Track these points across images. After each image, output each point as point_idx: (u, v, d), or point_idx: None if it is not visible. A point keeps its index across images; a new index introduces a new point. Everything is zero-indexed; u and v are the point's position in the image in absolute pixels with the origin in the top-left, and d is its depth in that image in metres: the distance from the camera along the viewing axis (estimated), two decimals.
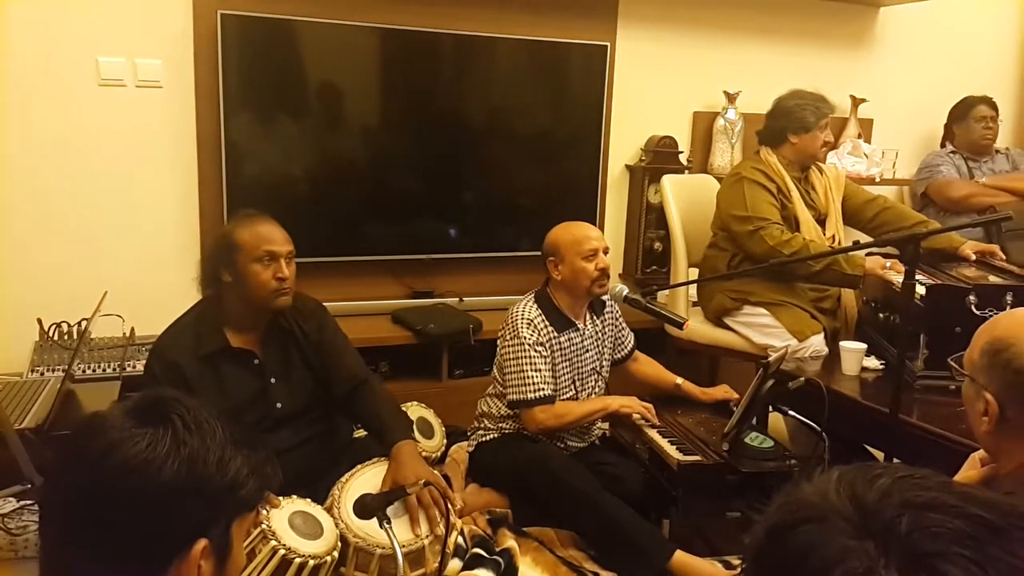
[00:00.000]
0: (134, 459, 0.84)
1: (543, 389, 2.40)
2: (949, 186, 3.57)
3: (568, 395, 2.50)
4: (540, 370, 2.41)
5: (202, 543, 0.85)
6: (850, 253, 2.68)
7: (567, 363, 2.50)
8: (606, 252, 2.48)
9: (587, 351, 2.54)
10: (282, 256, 2.11)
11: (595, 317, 2.58)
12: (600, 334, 2.59)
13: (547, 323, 2.46)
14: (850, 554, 0.58)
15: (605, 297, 2.62)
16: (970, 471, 1.44)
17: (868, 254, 2.76)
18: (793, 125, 2.91)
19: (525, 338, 2.42)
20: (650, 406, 2.50)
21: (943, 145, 3.81)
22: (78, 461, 0.88)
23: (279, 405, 2.17)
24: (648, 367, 2.78)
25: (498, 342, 2.54)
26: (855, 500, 0.61)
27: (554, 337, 2.46)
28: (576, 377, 2.53)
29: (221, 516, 0.88)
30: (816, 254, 2.68)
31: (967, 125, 3.70)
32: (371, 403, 2.21)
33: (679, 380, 2.72)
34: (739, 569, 0.68)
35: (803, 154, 2.93)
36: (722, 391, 2.65)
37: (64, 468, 0.90)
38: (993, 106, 3.70)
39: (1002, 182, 3.58)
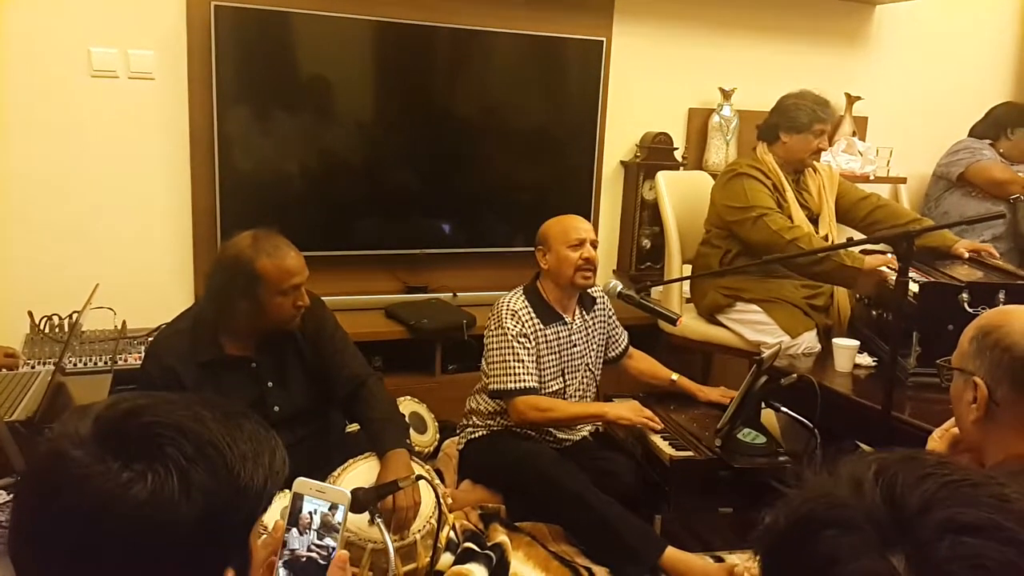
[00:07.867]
0: (135, 512, 0.69)
1: (525, 380, 2.40)
2: (993, 167, 3.69)
3: (556, 388, 2.50)
4: (523, 361, 2.40)
5: (229, 574, 0.76)
6: (850, 249, 2.68)
7: (554, 355, 2.49)
8: (595, 246, 2.48)
9: (575, 345, 2.54)
10: (303, 284, 2.08)
11: (584, 313, 2.58)
12: (590, 330, 2.59)
13: (532, 315, 2.46)
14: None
15: (597, 294, 2.62)
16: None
17: (863, 252, 2.76)
18: (785, 124, 2.91)
19: (508, 329, 2.42)
20: (654, 417, 2.41)
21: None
22: (60, 524, 0.70)
23: (276, 409, 2.14)
24: (643, 363, 2.78)
25: (484, 334, 2.54)
26: (892, 504, 0.55)
27: (539, 329, 2.46)
28: (566, 370, 2.52)
29: (244, 538, 0.79)
30: (817, 249, 2.68)
31: None
32: (369, 407, 2.17)
33: (675, 376, 2.72)
34: (751, 554, 0.63)
35: (792, 155, 2.92)
36: (718, 394, 2.64)
37: (41, 531, 0.71)
38: None
39: None
